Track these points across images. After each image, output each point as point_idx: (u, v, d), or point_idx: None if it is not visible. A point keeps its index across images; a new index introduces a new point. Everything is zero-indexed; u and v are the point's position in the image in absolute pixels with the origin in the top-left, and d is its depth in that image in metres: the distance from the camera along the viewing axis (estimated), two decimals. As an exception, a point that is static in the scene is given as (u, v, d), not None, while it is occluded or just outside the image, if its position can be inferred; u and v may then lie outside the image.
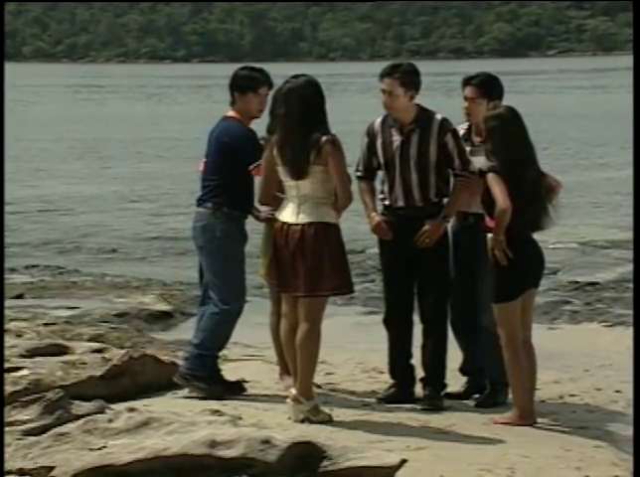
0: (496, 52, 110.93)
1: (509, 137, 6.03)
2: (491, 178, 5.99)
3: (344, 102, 35.75)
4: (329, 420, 6.00)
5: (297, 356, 5.99)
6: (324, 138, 5.86)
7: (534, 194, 6.05)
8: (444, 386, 6.49)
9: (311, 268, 5.89)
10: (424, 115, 6.36)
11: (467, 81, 6.49)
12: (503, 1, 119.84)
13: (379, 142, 6.42)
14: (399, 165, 6.36)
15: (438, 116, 6.38)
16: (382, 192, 6.51)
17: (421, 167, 6.32)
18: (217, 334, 6.48)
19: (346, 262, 6.00)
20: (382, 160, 6.42)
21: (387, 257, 6.48)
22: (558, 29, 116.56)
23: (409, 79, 6.34)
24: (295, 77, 6.10)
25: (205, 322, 6.51)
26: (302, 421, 5.94)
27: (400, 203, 6.38)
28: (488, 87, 6.45)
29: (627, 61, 74.58)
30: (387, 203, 6.46)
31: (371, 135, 6.46)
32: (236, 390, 6.56)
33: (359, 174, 6.51)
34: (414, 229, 6.31)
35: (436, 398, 6.39)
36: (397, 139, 6.36)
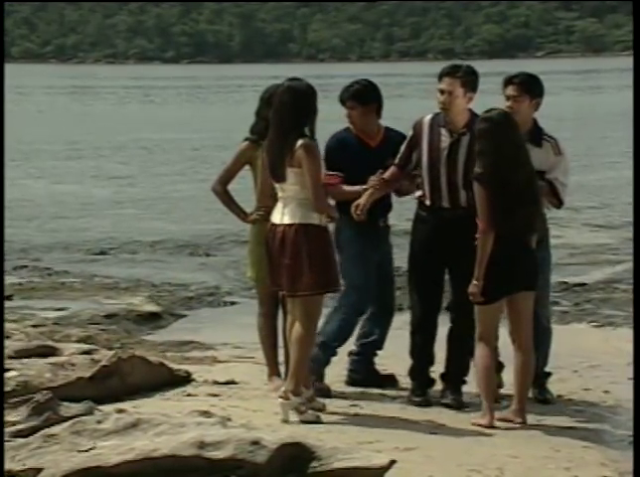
0: (485, 53, 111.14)
1: (497, 140, 6.05)
2: (475, 188, 6.06)
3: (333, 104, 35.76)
4: (317, 420, 6.01)
5: (291, 352, 6.08)
6: (299, 142, 5.97)
7: (523, 197, 6.05)
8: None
9: (291, 268, 6.01)
10: (476, 119, 6.37)
11: (509, 81, 6.53)
12: (492, 1, 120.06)
13: (425, 140, 6.41)
14: (445, 166, 6.36)
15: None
16: (417, 187, 6.47)
17: (469, 170, 6.31)
18: (342, 328, 6.70)
19: (328, 262, 6.04)
20: (425, 158, 6.41)
21: (422, 258, 6.44)
22: (546, 30, 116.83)
23: (470, 80, 6.40)
24: (290, 80, 6.21)
25: (332, 316, 6.72)
26: (289, 419, 5.98)
27: (445, 204, 6.38)
28: (529, 85, 6.51)
29: (615, 62, 74.85)
30: (427, 203, 6.44)
31: (417, 131, 6.46)
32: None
33: (395, 161, 6.52)
34: (456, 229, 6.29)
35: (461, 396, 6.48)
36: (445, 140, 6.38)
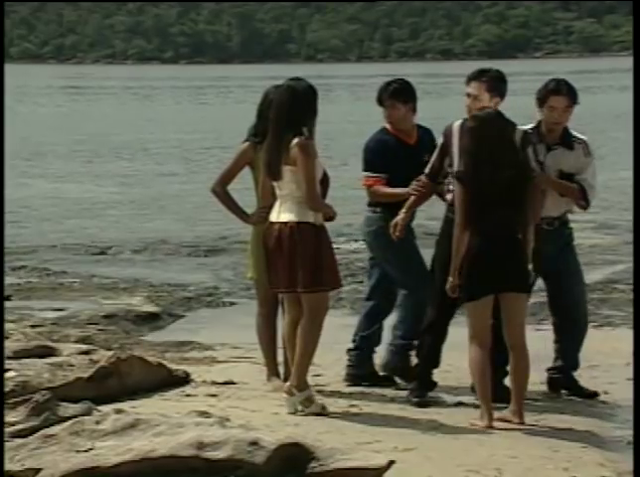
0: (484, 53, 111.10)
1: (481, 139, 6.08)
2: (455, 186, 6.15)
3: (332, 104, 35.79)
4: (322, 412, 6.10)
5: (296, 348, 6.15)
6: (294, 141, 6.03)
7: (504, 198, 6.04)
8: None
9: (287, 265, 6.08)
10: None
11: (556, 92, 6.53)
12: (491, 1, 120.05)
13: (455, 146, 6.41)
14: None
15: (520, 128, 6.42)
16: (447, 191, 6.50)
17: None
18: (413, 323, 6.77)
19: (323, 260, 6.08)
20: (457, 162, 6.40)
21: (449, 261, 6.40)
22: (545, 31, 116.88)
23: (496, 85, 6.40)
24: (291, 79, 6.28)
25: (403, 314, 6.75)
26: (295, 412, 6.07)
27: None
28: (575, 94, 6.57)
29: (614, 62, 74.83)
30: None
31: (447, 137, 6.46)
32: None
33: (426, 171, 6.56)
34: None
35: None
36: None
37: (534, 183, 6.23)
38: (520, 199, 6.10)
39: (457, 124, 6.44)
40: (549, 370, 6.82)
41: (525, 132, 6.42)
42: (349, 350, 6.98)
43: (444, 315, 6.50)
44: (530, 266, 6.17)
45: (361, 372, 6.91)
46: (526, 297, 6.22)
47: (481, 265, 6.07)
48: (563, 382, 6.78)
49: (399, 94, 6.78)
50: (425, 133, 6.86)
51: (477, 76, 6.42)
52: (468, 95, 6.41)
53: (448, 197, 6.51)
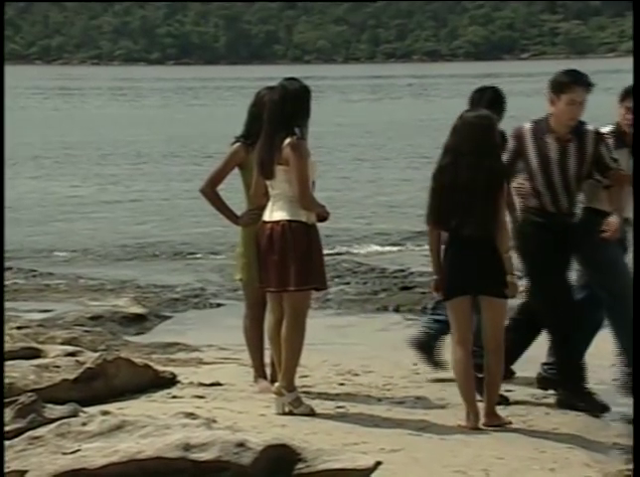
0: (470, 55, 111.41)
1: (459, 139, 6.08)
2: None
3: (319, 105, 35.75)
4: (311, 413, 6.12)
5: (282, 349, 6.15)
6: (287, 141, 6.07)
7: (471, 199, 6.05)
8: None
9: (278, 264, 6.09)
10: (579, 126, 6.45)
11: (629, 94, 6.59)
12: (478, 2, 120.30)
13: (530, 148, 6.45)
14: (559, 174, 6.42)
15: (590, 128, 6.47)
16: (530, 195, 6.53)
17: (579, 176, 6.45)
18: None
19: (312, 259, 6.10)
20: (534, 166, 6.45)
21: (553, 262, 6.49)
22: (531, 32, 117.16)
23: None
24: (285, 79, 6.32)
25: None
26: (285, 413, 6.08)
27: (565, 209, 6.50)
28: None
29: (600, 64, 75.04)
30: (550, 209, 6.48)
31: (519, 140, 6.48)
32: None
33: None
34: (573, 233, 6.47)
35: None
36: (553, 148, 6.42)
37: (505, 188, 6.18)
38: (489, 202, 6.06)
39: (528, 127, 6.47)
40: (544, 364, 6.80)
41: (596, 132, 6.48)
42: (427, 312, 7.11)
43: (579, 310, 6.62)
44: (519, 276, 6.16)
45: (428, 340, 6.96)
46: (499, 303, 6.16)
47: (453, 266, 6.10)
48: (555, 381, 6.76)
49: (495, 104, 6.83)
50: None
51: (586, 81, 6.42)
52: (573, 102, 6.38)
53: (533, 201, 6.54)
